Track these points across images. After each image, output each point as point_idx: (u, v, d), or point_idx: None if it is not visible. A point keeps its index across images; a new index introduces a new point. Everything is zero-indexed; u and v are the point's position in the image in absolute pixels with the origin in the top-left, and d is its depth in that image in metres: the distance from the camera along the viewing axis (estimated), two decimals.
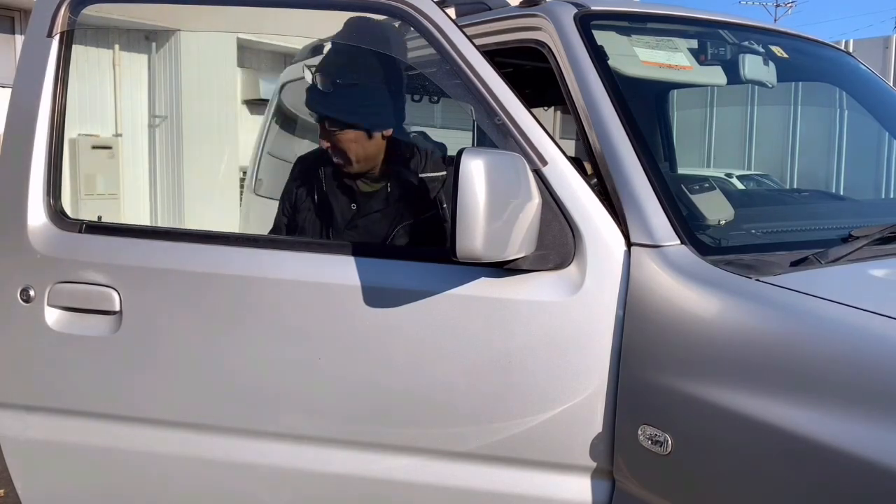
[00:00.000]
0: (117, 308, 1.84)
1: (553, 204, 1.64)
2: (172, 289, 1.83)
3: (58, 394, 1.94)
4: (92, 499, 2.01)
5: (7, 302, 1.91)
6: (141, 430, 1.89)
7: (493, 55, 1.85)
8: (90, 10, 2.02)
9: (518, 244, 1.54)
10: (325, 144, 2.09)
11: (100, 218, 2.13)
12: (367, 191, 2.17)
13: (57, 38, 1.99)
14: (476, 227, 1.46)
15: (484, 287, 1.65)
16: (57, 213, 1.96)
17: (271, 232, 2.26)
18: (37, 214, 1.94)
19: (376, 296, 1.71)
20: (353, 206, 2.15)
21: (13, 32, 5.88)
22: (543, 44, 1.97)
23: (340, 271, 1.74)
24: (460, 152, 1.47)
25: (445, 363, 1.69)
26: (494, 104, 1.69)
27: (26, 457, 2.00)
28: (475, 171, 1.46)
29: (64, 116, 2.07)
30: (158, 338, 1.85)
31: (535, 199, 1.60)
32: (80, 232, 1.94)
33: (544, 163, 1.66)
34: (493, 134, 1.69)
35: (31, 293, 1.90)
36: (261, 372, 1.78)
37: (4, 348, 1.97)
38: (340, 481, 1.79)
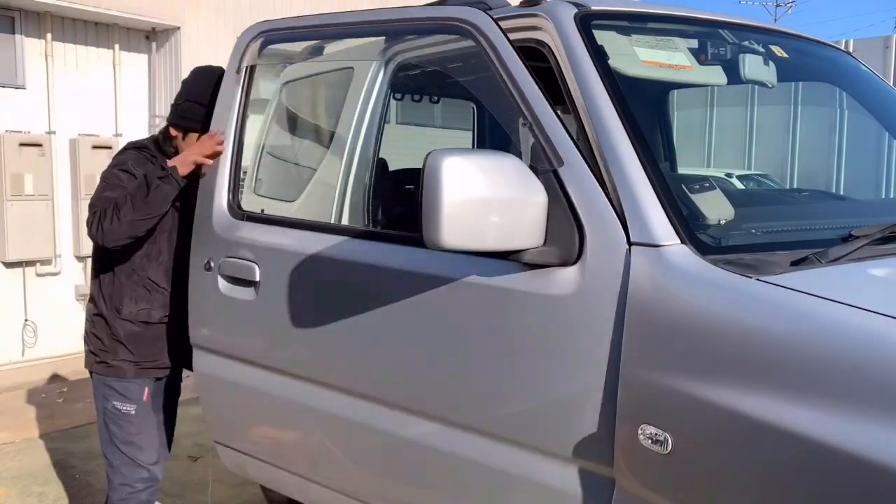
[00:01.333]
0: (257, 279, 2.34)
1: (564, 202, 1.67)
2: (294, 265, 2.26)
3: (225, 343, 2.54)
4: (247, 424, 2.61)
5: (198, 270, 2.56)
6: (274, 377, 2.37)
7: None
8: (272, 49, 2.64)
9: (508, 236, 1.64)
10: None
11: (262, 211, 2.68)
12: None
13: (244, 72, 2.64)
14: (439, 219, 1.58)
15: (494, 278, 1.77)
16: (232, 206, 2.56)
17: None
18: (221, 206, 2.56)
19: (407, 280, 1.97)
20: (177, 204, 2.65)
21: (13, 32, 5.87)
22: (544, 44, 1.97)
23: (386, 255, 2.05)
24: (428, 154, 1.62)
25: (461, 346, 1.87)
26: (524, 108, 1.79)
27: (208, 387, 2.66)
28: (442, 170, 1.57)
29: (244, 133, 2.68)
30: (283, 305, 2.29)
31: (534, 196, 1.66)
32: (242, 220, 2.51)
33: (561, 163, 1.70)
34: (519, 134, 1.84)
35: (211, 264, 2.51)
36: (351, 341, 2.14)
37: (197, 304, 2.60)
38: (382, 434, 2.11)
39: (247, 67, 2.63)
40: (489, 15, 1.92)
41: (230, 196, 2.57)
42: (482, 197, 1.61)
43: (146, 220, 2.49)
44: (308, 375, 2.28)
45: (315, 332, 2.23)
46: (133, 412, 2.61)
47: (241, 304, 2.42)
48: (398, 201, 2.84)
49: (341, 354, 2.19)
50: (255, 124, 3.03)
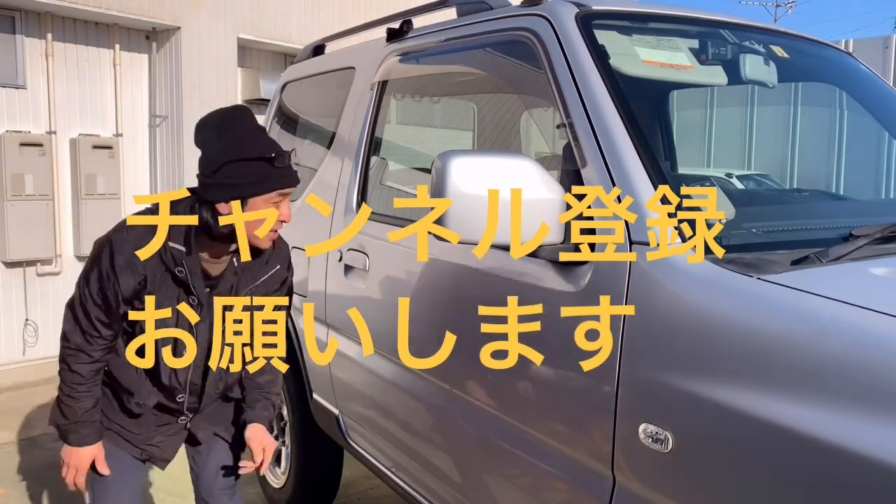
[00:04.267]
0: (367, 267, 2.62)
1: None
2: (392, 257, 2.51)
3: (345, 322, 2.80)
4: (345, 384, 2.91)
5: (334, 260, 2.88)
6: (376, 359, 2.56)
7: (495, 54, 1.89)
8: (401, 66, 2.79)
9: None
10: (285, 216, 2.01)
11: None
12: (220, 269, 2.11)
13: (376, 88, 2.87)
14: (446, 216, 1.64)
15: (511, 271, 1.87)
16: (359, 205, 2.86)
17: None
18: (351, 203, 2.87)
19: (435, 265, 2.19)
20: (207, 290, 2.08)
21: (13, 32, 5.87)
22: (545, 43, 1.97)
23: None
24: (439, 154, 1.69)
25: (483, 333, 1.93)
26: (563, 111, 1.86)
27: (335, 360, 2.93)
28: (445, 170, 1.64)
29: (372, 144, 2.91)
30: (384, 291, 2.55)
31: (546, 195, 1.69)
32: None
33: (584, 164, 1.74)
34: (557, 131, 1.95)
35: (340, 254, 2.83)
36: (422, 326, 2.21)
37: (332, 289, 2.91)
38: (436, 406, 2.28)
39: (379, 83, 2.87)
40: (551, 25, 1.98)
41: (358, 196, 2.87)
42: (485, 195, 1.63)
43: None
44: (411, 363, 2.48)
45: (394, 318, 2.42)
46: None
47: (355, 289, 2.73)
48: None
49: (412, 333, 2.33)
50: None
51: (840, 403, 1.25)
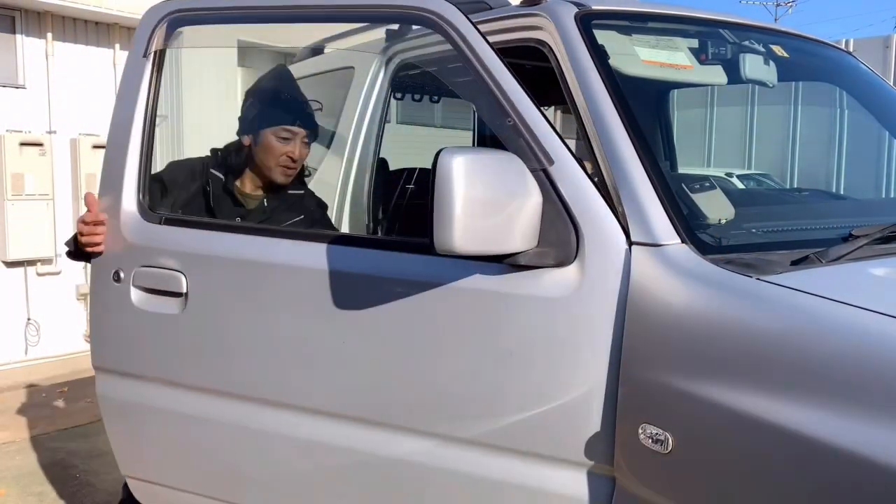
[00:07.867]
0: (184, 290, 2.10)
1: (557, 202, 1.64)
2: (228, 274, 2.06)
3: (140, 363, 2.23)
4: (162, 451, 2.29)
5: (104, 281, 2.25)
6: (202, 399, 2.13)
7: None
8: (183, 32, 2.33)
9: (510, 239, 1.59)
10: (292, 153, 2.41)
11: (181, 212, 2.44)
12: (253, 205, 2.47)
13: (151, 57, 2.34)
14: (452, 222, 1.50)
15: (487, 281, 1.70)
16: (144, 207, 2.27)
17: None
18: (130, 207, 2.26)
19: (390, 286, 1.82)
20: (238, 219, 2.39)
21: (13, 32, 5.87)
22: (544, 43, 1.97)
23: (359, 261, 1.88)
24: (439, 152, 1.52)
25: (451, 354, 1.77)
26: (507, 106, 1.72)
27: (117, 413, 2.35)
28: (455, 169, 1.51)
29: (154, 126, 2.41)
30: (216, 317, 2.09)
31: (532, 197, 1.63)
32: (160, 223, 2.23)
33: (551, 162, 1.67)
34: (505, 133, 1.73)
35: (121, 274, 2.21)
36: (295, 350, 1.97)
37: (102, 321, 2.31)
38: (356, 455, 1.93)
39: (156, 52, 2.31)
40: (458, 8, 1.80)
41: (140, 196, 2.27)
42: (493, 198, 1.55)
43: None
44: (259, 395, 2.03)
45: (268, 348, 2.01)
46: None
47: (165, 318, 2.16)
48: (391, 204, 2.84)
49: (305, 369, 1.96)
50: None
51: (839, 404, 1.25)
